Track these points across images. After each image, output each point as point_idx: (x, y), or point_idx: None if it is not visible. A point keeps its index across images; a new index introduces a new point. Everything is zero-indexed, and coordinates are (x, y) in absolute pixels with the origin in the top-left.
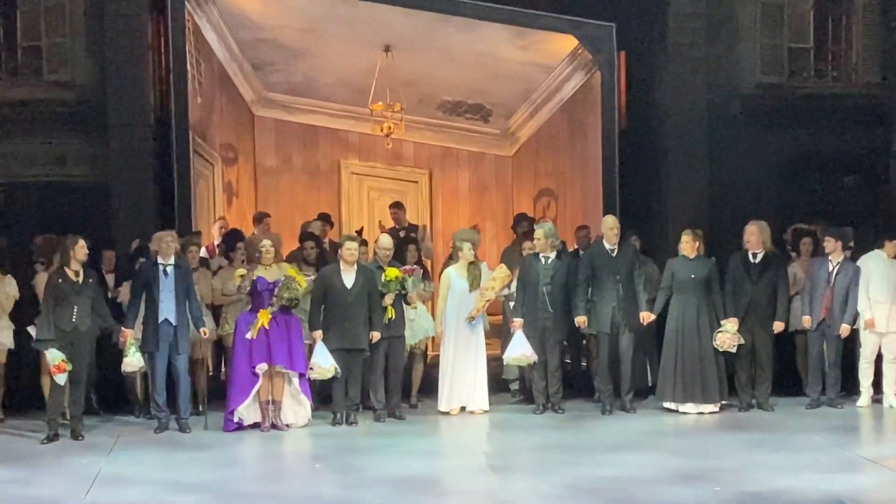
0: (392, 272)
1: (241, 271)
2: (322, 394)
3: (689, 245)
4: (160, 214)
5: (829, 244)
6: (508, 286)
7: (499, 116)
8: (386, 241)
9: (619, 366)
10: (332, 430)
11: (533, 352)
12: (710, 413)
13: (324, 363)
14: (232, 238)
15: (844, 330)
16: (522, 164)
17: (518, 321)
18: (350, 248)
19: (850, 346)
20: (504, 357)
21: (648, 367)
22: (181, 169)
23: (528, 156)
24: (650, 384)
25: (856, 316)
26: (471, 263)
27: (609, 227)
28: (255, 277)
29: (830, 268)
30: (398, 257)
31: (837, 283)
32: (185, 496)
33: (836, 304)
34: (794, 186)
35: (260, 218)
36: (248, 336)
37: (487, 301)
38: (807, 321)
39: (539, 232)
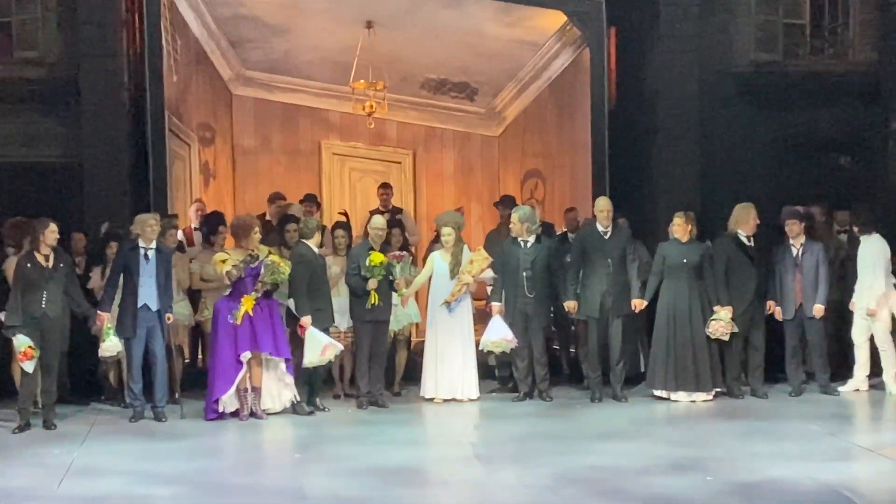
0: (377, 257)
1: (222, 255)
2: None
3: (681, 228)
4: (134, 196)
5: (794, 227)
6: (494, 270)
7: (485, 95)
8: (380, 221)
9: (608, 352)
10: (313, 419)
11: (513, 336)
12: (703, 401)
13: (335, 345)
14: (214, 221)
15: (818, 310)
16: (509, 145)
17: (497, 305)
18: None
19: (841, 333)
20: (482, 342)
21: (641, 353)
22: (156, 149)
23: (514, 136)
24: (642, 371)
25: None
26: (452, 248)
27: (601, 210)
28: (243, 264)
29: (795, 252)
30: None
31: (805, 265)
32: (162, 487)
33: (808, 285)
34: (789, 167)
35: (273, 199)
36: (230, 320)
37: (465, 285)
38: (778, 313)
39: (514, 216)
